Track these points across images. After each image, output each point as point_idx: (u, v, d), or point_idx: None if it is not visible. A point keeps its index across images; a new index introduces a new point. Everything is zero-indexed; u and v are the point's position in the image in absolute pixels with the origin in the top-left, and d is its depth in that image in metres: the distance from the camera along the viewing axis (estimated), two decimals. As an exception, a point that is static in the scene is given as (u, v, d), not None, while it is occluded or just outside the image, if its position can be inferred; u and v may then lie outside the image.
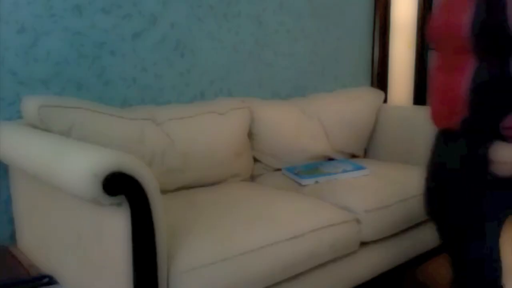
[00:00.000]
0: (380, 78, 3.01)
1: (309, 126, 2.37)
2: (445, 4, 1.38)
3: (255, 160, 2.23)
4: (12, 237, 1.75)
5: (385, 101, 2.83)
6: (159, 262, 1.21)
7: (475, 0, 1.22)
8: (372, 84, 3.02)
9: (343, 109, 2.52)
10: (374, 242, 1.84)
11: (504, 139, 1.23)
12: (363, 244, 1.79)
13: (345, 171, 2.07)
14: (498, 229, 1.40)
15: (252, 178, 2.21)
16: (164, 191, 1.50)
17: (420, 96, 3.07)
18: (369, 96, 2.69)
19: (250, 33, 2.37)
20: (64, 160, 1.23)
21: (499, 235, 1.40)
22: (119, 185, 1.12)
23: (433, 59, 1.45)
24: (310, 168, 2.14)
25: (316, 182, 1.99)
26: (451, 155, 1.39)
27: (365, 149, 2.65)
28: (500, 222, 1.39)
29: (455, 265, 1.45)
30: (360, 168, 2.11)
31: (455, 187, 1.39)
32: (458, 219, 1.39)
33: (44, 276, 1.46)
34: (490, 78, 1.24)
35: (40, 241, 1.59)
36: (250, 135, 2.19)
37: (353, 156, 2.55)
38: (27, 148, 1.41)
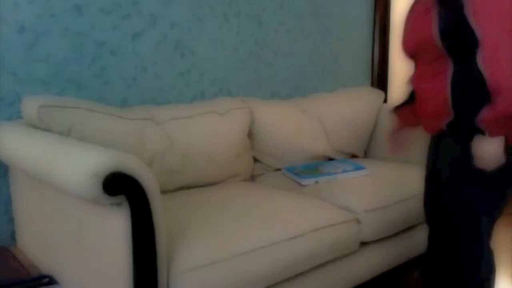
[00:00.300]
0: (380, 78, 3.01)
1: (309, 126, 2.37)
2: (411, 17, 1.44)
3: (255, 160, 2.23)
4: (12, 237, 1.75)
5: (385, 101, 2.83)
6: (159, 262, 1.21)
7: (436, 8, 1.29)
8: (372, 84, 3.01)
9: (343, 109, 2.52)
10: (374, 242, 1.84)
11: (483, 132, 1.26)
12: (363, 244, 1.79)
13: (345, 171, 2.07)
14: (491, 230, 1.42)
15: (252, 178, 2.21)
16: (164, 191, 1.50)
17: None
18: (369, 96, 2.69)
19: (250, 33, 2.37)
20: (64, 160, 1.23)
21: (491, 235, 1.43)
22: (119, 185, 1.12)
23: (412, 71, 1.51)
24: (310, 168, 2.14)
25: (316, 182, 1.99)
26: (442, 155, 1.42)
27: (365, 149, 2.65)
28: (493, 223, 1.41)
29: (451, 265, 1.46)
30: (360, 168, 2.11)
31: (449, 188, 1.41)
32: (454, 219, 1.41)
33: (44, 276, 1.46)
34: (464, 78, 1.29)
35: (40, 241, 1.59)
36: (250, 135, 2.19)
37: (353, 156, 2.55)
38: (27, 148, 1.41)
